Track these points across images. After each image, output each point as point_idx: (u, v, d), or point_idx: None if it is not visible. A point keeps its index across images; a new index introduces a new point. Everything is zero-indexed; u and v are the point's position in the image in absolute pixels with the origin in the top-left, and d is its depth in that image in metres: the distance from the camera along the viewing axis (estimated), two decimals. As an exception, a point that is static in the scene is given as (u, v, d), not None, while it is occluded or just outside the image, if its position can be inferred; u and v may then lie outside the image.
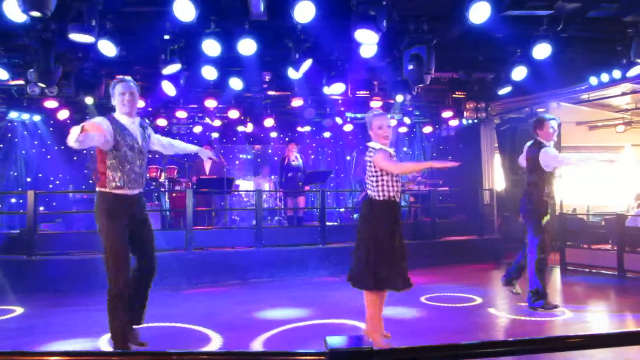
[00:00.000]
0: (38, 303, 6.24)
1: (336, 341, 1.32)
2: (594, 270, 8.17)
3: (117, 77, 4.03)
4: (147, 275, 4.07)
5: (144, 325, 4.18)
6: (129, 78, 4.02)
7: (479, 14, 5.57)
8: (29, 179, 11.34)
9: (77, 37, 5.71)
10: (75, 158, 11.38)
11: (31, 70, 6.88)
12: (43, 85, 7.05)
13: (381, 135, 4.13)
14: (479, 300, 6.31)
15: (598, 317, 5.28)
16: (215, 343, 4.55)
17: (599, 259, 8.21)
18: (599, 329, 4.94)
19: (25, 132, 11.43)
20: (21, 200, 10.51)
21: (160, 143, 4.41)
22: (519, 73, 7.81)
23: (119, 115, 3.96)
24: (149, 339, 4.08)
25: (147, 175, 4.33)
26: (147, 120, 4.31)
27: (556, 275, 8.28)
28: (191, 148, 4.65)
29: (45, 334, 4.88)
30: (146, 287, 4.10)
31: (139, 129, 4.06)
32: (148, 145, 4.18)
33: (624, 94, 10.29)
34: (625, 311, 5.61)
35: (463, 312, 5.74)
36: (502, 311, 5.82)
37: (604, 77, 8.10)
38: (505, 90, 8.78)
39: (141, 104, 9.52)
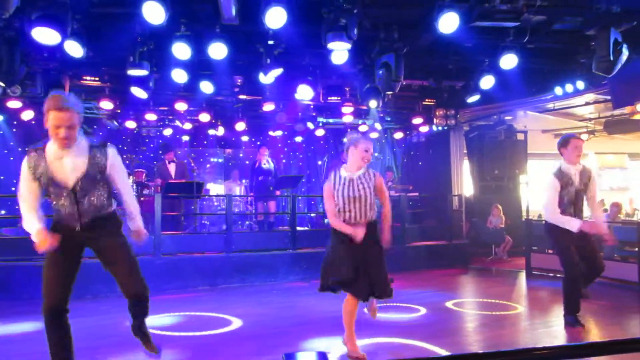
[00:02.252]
0: (1, 312, 6.04)
1: (295, 357, 1.32)
2: (558, 275, 8.34)
3: (55, 95, 3.15)
4: (132, 304, 3.46)
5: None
6: (67, 104, 3.08)
7: (448, 24, 5.67)
8: (-10, 182, 11.00)
9: (41, 37, 5.58)
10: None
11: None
12: (3, 85, 6.83)
13: (362, 157, 4.03)
14: (449, 304, 6.39)
15: (562, 322, 5.39)
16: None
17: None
18: (563, 335, 5.05)
19: (-13, 133, 11.09)
20: (-18, 204, 10.19)
21: (116, 184, 3.43)
22: (487, 82, 7.97)
23: (50, 144, 3.19)
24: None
25: (102, 204, 3.37)
26: (100, 148, 3.33)
27: (522, 279, 8.45)
28: (133, 221, 3.63)
29: (5, 344, 4.73)
30: (134, 316, 3.51)
31: (79, 161, 3.21)
32: (93, 178, 3.26)
33: (587, 103, 10.62)
34: (588, 316, 5.75)
35: (434, 316, 5.79)
36: (471, 315, 5.90)
37: (569, 87, 8.34)
38: (474, 99, 8.94)
39: (109, 106, 9.35)
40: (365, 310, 4.43)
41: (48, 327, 3.26)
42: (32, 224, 3.22)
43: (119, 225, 3.50)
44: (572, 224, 4.76)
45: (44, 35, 5.57)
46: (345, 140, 4.22)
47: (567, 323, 5.08)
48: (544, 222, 5.22)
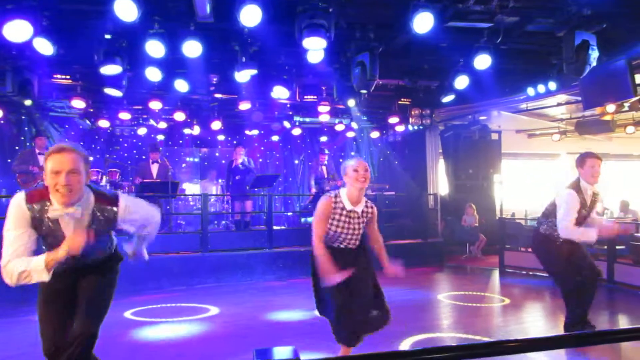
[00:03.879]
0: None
1: (266, 352, 1.31)
2: (530, 273, 8.52)
3: (58, 144, 2.72)
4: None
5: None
6: (70, 146, 2.69)
7: (423, 24, 5.71)
8: (-42, 181, 10.67)
9: (11, 33, 5.44)
10: (9, 160, 10.82)
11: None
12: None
13: (354, 178, 3.73)
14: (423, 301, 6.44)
15: (533, 318, 5.49)
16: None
17: (535, 261, 8.55)
18: (535, 330, 5.14)
19: (-46, 132, 10.76)
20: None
21: (135, 225, 3.07)
22: (462, 82, 8.06)
23: (52, 199, 2.69)
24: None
25: (105, 249, 3.02)
26: (108, 202, 2.88)
27: (495, 277, 8.58)
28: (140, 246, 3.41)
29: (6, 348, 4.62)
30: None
31: (84, 221, 2.79)
32: (99, 233, 2.81)
33: (559, 104, 10.83)
34: (559, 313, 5.87)
35: (404, 313, 5.83)
36: (444, 312, 5.96)
37: (541, 88, 8.48)
38: (448, 98, 9.03)
39: (81, 105, 9.17)
40: None
41: None
42: (32, 261, 2.64)
43: (114, 265, 3.12)
44: (590, 234, 4.48)
45: (14, 32, 5.44)
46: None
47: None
48: (533, 232, 5.03)
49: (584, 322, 4.75)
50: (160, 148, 10.07)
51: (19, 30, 5.41)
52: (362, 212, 3.81)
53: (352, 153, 14.00)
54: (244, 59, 6.95)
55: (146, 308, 6.22)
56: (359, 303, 3.66)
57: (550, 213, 4.79)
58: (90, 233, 2.64)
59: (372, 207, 3.89)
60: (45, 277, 2.62)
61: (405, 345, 4.66)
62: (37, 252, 2.73)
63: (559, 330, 5.13)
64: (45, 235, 2.73)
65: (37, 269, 2.61)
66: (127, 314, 5.92)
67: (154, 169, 9.55)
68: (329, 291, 3.64)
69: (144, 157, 9.87)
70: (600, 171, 4.58)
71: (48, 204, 2.67)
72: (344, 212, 3.74)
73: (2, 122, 10.36)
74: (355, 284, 3.66)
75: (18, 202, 2.68)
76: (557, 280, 4.96)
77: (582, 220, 4.62)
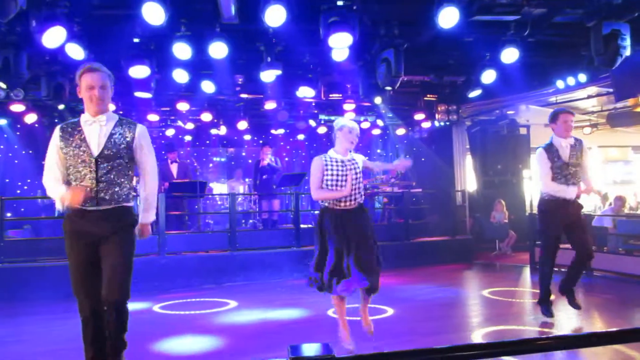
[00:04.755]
0: (5, 311, 6.09)
1: (299, 348, 1.33)
2: (562, 269, 8.33)
3: (86, 64, 3.27)
4: (108, 309, 3.17)
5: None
6: (98, 65, 3.26)
7: (448, 19, 5.66)
8: (-5, 184, 11.04)
9: (44, 39, 5.61)
10: (43, 163, 11.13)
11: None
12: (4, 87, 6.85)
13: (346, 138, 4.19)
14: (452, 299, 6.40)
15: (567, 316, 5.39)
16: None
17: (567, 258, 8.39)
18: (570, 328, 5.06)
19: (-9, 137, 11.14)
20: (-13, 206, 10.21)
21: (139, 164, 3.40)
22: (488, 76, 7.95)
23: (84, 115, 3.29)
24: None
25: (124, 188, 3.30)
26: (129, 123, 3.36)
27: (526, 274, 8.45)
28: (144, 212, 3.48)
29: (14, 344, 4.76)
30: (110, 326, 3.18)
31: (107, 129, 3.25)
32: (119, 152, 3.25)
33: (589, 96, 10.59)
34: (592, 310, 5.76)
35: (434, 311, 5.80)
36: (475, 310, 5.91)
37: (570, 80, 8.32)
38: (475, 93, 8.93)
39: (112, 107, 9.36)
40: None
41: (85, 326, 3.27)
42: (57, 188, 3.21)
43: (133, 222, 3.37)
44: (569, 191, 4.86)
45: (48, 38, 5.60)
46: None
47: (542, 312, 5.18)
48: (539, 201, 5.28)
49: (547, 300, 5.13)
50: (182, 151, 10.20)
51: (52, 37, 5.57)
52: (350, 159, 4.20)
53: (378, 150, 13.97)
54: (269, 59, 7.01)
55: (174, 303, 6.34)
56: (347, 256, 4.01)
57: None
58: (89, 191, 3.14)
59: (358, 156, 4.30)
60: (61, 207, 3.21)
61: (478, 335, 4.66)
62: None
63: (592, 327, 5.04)
64: (71, 143, 3.21)
65: (59, 196, 3.17)
66: (156, 308, 6.06)
67: (174, 168, 9.71)
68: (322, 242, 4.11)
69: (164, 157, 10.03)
70: (572, 125, 5.02)
71: (77, 120, 3.28)
72: (337, 162, 4.14)
73: (36, 125, 10.67)
74: (350, 241, 4.04)
75: (56, 129, 3.30)
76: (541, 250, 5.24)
77: (564, 170, 4.92)
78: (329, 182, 4.10)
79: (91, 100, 3.20)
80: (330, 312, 5.48)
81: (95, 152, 3.20)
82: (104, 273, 3.18)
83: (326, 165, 4.13)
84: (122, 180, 3.29)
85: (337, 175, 4.10)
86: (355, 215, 4.15)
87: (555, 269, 5.27)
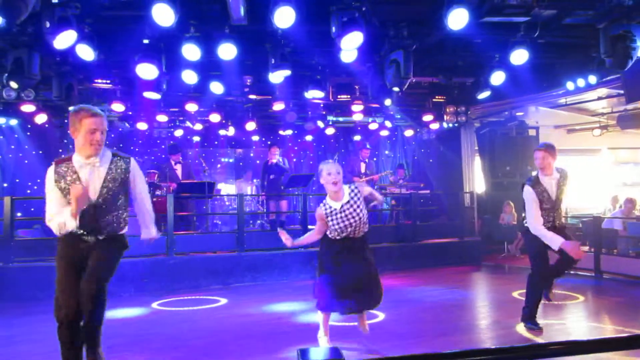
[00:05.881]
0: (16, 311, 6.13)
1: (308, 352, 1.33)
2: (572, 272, 8.28)
3: (84, 106, 3.34)
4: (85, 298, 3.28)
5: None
6: (100, 111, 3.37)
7: (458, 20, 5.64)
8: (5, 185, 11.11)
9: (55, 41, 5.64)
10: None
11: (6, 74, 6.75)
12: (15, 87, 6.90)
13: (327, 181, 4.20)
14: (461, 301, 6.37)
15: (576, 318, 5.36)
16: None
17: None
18: (580, 332, 5.02)
19: (1, 137, 11.22)
20: (-3, 206, 10.30)
21: (136, 191, 3.63)
22: (498, 78, 7.92)
23: (76, 156, 3.34)
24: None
25: (120, 221, 3.50)
26: (123, 158, 3.50)
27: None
28: (147, 230, 3.85)
29: (24, 343, 4.80)
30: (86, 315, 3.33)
31: (102, 171, 3.36)
32: (115, 190, 3.41)
33: (600, 98, 10.52)
34: (603, 313, 5.72)
35: (443, 313, 5.78)
36: (484, 313, 5.88)
37: (580, 82, 8.26)
38: (484, 95, 8.89)
39: (121, 108, 9.44)
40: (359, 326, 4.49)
41: (62, 334, 3.37)
42: (62, 213, 3.28)
43: (122, 247, 3.54)
44: (554, 242, 4.62)
45: (59, 40, 5.64)
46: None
47: (527, 328, 4.90)
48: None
49: (533, 317, 4.86)
50: (190, 152, 10.23)
51: (63, 38, 5.60)
52: (348, 202, 4.18)
53: (386, 152, 13.95)
54: (277, 60, 7.00)
55: (174, 300, 6.35)
56: (347, 280, 4.12)
57: (523, 208, 5.01)
58: (87, 189, 3.24)
59: (355, 188, 4.26)
60: (74, 224, 3.25)
61: (487, 339, 4.64)
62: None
63: (607, 334, 5.00)
64: (68, 190, 3.25)
65: (67, 218, 3.24)
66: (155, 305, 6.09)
67: (178, 170, 9.76)
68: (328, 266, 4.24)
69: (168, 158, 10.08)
70: (542, 162, 4.83)
71: (70, 162, 3.32)
72: (336, 211, 4.17)
73: (46, 126, 10.74)
74: (350, 264, 4.17)
75: (49, 169, 3.36)
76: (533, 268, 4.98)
77: (550, 211, 4.79)
78: (336, 228, 4.19)
79: (91, 143, 3.28)
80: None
81: (94, 197, 3.34)
82: (86, 270, 3.31)
83: (327, 215, 4.20)
84: (119, 212, 3.47)
85: (339, 221, 4.17)
86: (357, 244, 4.27)
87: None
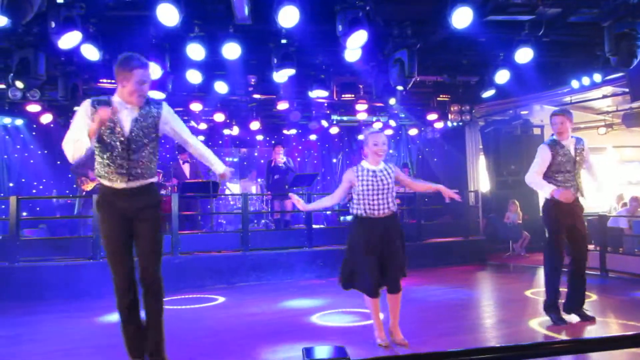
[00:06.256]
0: (21, 310, 6.16)
1: (312, 351, 1.34)
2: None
3: (134, 55, 3.40)
4: (144, 292, 3.49)
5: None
6: (147, 60, 3.46)
7: (462, 19, 5.63)
8: (11, 184, 11.17)
9: (60, 41, 5.67)
10: (58, 162, 11.24)
11: (11, 74, 6.80)
12: (21, 86, 6.94)
13: (373, 151, 4.26)
14: (465, 300, 6.36)
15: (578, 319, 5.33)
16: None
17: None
18: (586, 330, 5.00)
19: (7, 137, 11.28)
20: (3, 206, 10.36)
21: (179, 135, 3.66)
22: (502, 76, 7.90)
23: (115, 99, 3.43)
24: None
25: (148, 165, 3.51)
26: (154, 103, 3.57)
27: (540, 275, 8.37)
28: (214, 165, 3.80)
29: (31, 343, 4.82)
30: (148, 308, 3.50)
31: (137, 111, 3.44)
32: (148, 131, 3.48)
33: (604, 96, 10.48)
34: (608, 312, 5.70)
35: (447, 312, 5.77)
36: (488, 312, 5.87)
37: (585, 80, 8.23)
38: (488, 94, 8.87)
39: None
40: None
41: (122, 315, 3.45)
42: (83, 133, 3.27)
43: (160, 199, 3.68)
44: (545, 189, 4.82)
45: (64, 40, 5.67)
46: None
47: (552, 321, 4.96)
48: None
49: (555, 307, 4.95)
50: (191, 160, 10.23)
51: (68, 38, 5.63)
52: (383, 169, 4.27)
53: (391, 151, 13.94)
54: (281, 60, 7.01)
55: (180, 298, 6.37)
56: (376, 273, 4.16)
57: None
58: (110, 110, 3.25)
59: (391, 166, 4.34)
60: (88, 143, 3.24)
61: (491, 338, 4.62)
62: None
63: (607, 329, 4.98)
64: (102, 135, 3.33)
65: (84, 136, 3.22)
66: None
67: (186, 169, 9.79)
68: (359, 248, 4.20)
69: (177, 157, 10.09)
70: (562, 126, 4.99)
71: (110, 101, 3.38)
72: (369, 173, 4.22)
73: (52, 125, 10.78)
74: (377, 242, 4.18)
75: (84, 102, 3.40)
76: (546, 250, 5.06)
77: (570, 172, 4.89)
78: (365, 191, 4.20)
79: (140, 94, 3.37)
80: (315, 316, 5.47)
81: (127, 132, 3.40)
82: (138, 254, 3.45)
83: (358, 176, 4.24)
84: (151, 158, 3.52)
85: (370, 183, 4.20)
86: (387, 223, 4.24)
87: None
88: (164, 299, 3.57)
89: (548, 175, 4.96)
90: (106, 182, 3.43)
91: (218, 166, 3.76)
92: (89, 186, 9.00)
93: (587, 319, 4.99)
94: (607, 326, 5.06)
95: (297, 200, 4.45)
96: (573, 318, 5.04)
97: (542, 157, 4.94)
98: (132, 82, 3.33)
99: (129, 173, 3.41)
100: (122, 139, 3.38)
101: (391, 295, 4.31)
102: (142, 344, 3.50)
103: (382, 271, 4.20)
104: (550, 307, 5.00)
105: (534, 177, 4.92)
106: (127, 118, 3.41)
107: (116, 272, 3.42)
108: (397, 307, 4.35)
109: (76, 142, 3.26)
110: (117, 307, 3.45)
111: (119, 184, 3.41)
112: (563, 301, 5.08)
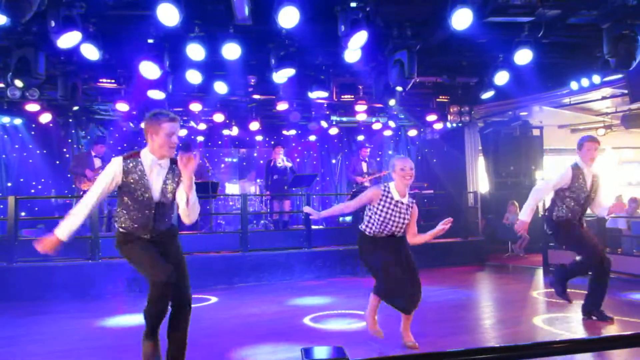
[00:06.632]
0: (19, 311, 6.15)
1: (311, 351, 1.34)
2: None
3: (163, 111, 3.50)
4: (175, 311, 3.57)
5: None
6: (174, 115, 3.50)
7: (462, 20, 5.64)
8: (9, 184, 11.14)
9: (59, 40, 5.67)
10: (57, 162, 11.24)
11: (10, 73, 6.78)
12: (20, 85, 6.92)
13: (401, 175, 4.28)
14: (464, 301, 6.36)
15: (580, 317, 5.34)
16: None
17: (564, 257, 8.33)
18: (584, 332, 5.01)
19: (6, 136, 11.25)
20: (1, 206, 10.33)
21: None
22: (502, 78, 7.91)
23: (146, 154, 3.46)
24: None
25: (171, 217, 3.67)
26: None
27: (539, 276, 8.38)
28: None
29: (30, 343, 4.81)
30: (176, 326, 3.58)
31: (164, 173, 3.50)
32: (173, 192, 3.52)
33: (604, 98, 10.50)
34: (608, 312, 5.69)
35: (446, 313, 5.78)
36: (487, 312, 5.87)
37: (584, 81, 8.25)
38: (488, 95, 8.88)
39: (125, 107, 9.46)
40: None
41: (160, 300, 3.41)
42: (77, 219, 3.46)
43: (177, 233, 3.79)
44: (525, 210, 5.12)
45: (65, 41, 5.67)
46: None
47: (599, 318, 5.07)
48: (546, 219, 5.36)
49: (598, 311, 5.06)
50: (199, 149, 10.25)
51: (68, 37, 5.62)
52: (407, 204, 4.31)
53: (390, 152, 13.94)
54: (281, 60, 7.02)
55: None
56: (409, 284, 4.26)
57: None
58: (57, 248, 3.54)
59: (413, 203, 4.39)
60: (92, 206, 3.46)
61: (490, 338, 4.63)
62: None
63: (606, 329, 4.99)
64: (133, 184, 3.41)
65: (60, 230, 3.52)
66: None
67: None
68: (381, 265, 4.24)
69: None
70: (595, 153, 5.03)
71: (139, 159, 3.45)
72: (392, 202, 4.24)
73: (51, 125, 10.77)
74: (400, 260, 4.28)
75: (115, 160, 3.46)
76: (583, 258, 5.09)
77: (579, 198, 4.98)
78: (379, 217, 4.25)
79: (170, 146, 3.45)
80: (306, 318, 5.46)
81: (156, 197, 3.49)
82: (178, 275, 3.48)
83: (382, 198, 4.26)
84: (172, 210, 3.66)
85: (388, 211, 4.24)
86: (399, 241, 4.40)
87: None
88: (189, 315, 3.65)
89: (559, 196, 5.12)
90: (128, 231, 3.51)
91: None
92: (85, 185, 9.00)
93: (606, 319, 5.06)
94: (606, 327, 5.06)
95: (311, 211, 4.49)
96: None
97: (563, 178, 5.04)
98: (161, 135, 3.41)
99: (154, 230, 3.52)
100: (151, 203, 3.47)
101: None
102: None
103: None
104: (561, 281, 5.17)
105: (542, 193, 5.17)
106: (156, 180, 3.48)
107: (155, 277, 3.39)
108: (411, 315, 4.43)
109: (76, 214, 3.46)
110: (148, 313, 3.44)
111: (143, 235, 3.52)
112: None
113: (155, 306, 3.41)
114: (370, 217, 4.29)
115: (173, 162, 3.54)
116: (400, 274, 4.19)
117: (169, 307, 3.51)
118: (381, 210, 4.23)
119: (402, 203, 4.27)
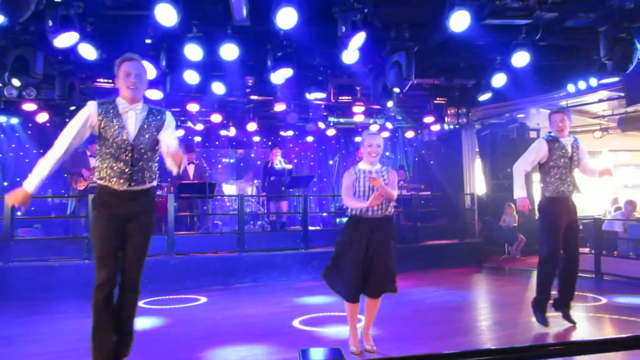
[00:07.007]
0: (16, 311, 6.12)
1: (308, 352, 1.34)
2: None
3: (125, 54, 3.50)
4: (121, 295, 3.51)
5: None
6: (135, 55, 3.52)
7: (459, 22, 5.65)
8: (5, 184, 11.11)
9: (56, 40, 5.66)
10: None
11: (7, 72, 6.77)
12: (18, 84, 6.91)
13: (368, 152, 4.28)
14: (461, 303, 6.37)
15: (577, 320, 5.36)
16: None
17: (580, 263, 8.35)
18: (579, 333, 5.02)
19: (2, 135, 11.23)
20: (-2, 205, 10.30)
21: (166, 142, 3.46)
22: (499, 80, 7.93)
23: (119, 100, 3.48)
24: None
25: (151, 171, 3.56)
26: (159, 110, 3.61)
27: (535, 278, 8.39)
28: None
29: (25, 343, 4.79)
30: (122, 310, 3.52)
31: (141, 117, 3.47)
32: (151, 138, 3.48)
33: (600, 100, 10.52)
34: (602, 314, 5.72)
35: (443, 314, 5.78)
36: (484, 314, 5.88)
37: (581, 84, 8.27)
38: (485, 97, 8.90)
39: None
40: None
41: (98, 304, 3.35)
42: (45, 167, 3.39)
43: (156, 205, 3.74)
44: (517, 190, 5.07)
45: (62, 40, 5.66)
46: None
47: (536, 318, 5.07)
48: (538, 203, 5.27)
49: (543, 307, 5.02)
50: (196, 150, 10.24)
51: (65, 37, 5.62)
52: (379, 171, 4.26)
53: (387, 153, 13.96)
54: (279, 61, 7.02)
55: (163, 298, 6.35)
56: (359, 278, 4.10)
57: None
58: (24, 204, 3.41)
59: (387, 171, 4.32)
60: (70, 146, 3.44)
61: (487, 340, 4.63)
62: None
63: (602, 332, 5.00)
64: (106, 140, 3.40)
65: (28, 182, 3.40)
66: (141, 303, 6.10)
67: (190, 169, 9.74)
68: (346, 251, 4.16)
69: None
70: (563, 124, 4.97)
71: (115, 103, 3.45)
72: (364, 174, 4.23)
73: (47, 124, 10.74)
74: (367, 244, 4.13)
75: (90, 103, 3.46)
76: (543, 245, 5.08)
77: (565, 167, 4.97)
78: (357, 192, 4.23)
79: (127, 86, 3.42)
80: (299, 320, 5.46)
81: (132, 138, 3.44)
82: (126, 253, 3.46)
83: (357, 177, 4.26)
84: (151, 163, 3.57)
85: (365, 187, 4.21)
86: (381, 225, 4.21)
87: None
88: (139, 299, 3.60)
89: (544, 171, 5.06)
90: (105, 183, 3.44)
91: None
92: (82, 185, 8.98)
93: (570, 322, 5.03)
94: (601, 329, 5.07)
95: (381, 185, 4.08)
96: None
97: (538, 150, 5.03)
98: (120, 77, 3.44)
99: (130, 178, 3.44)
100: (126, 144, 3.42)
101: (370, 300, 4.22)
102: (111, 352, 3.45)
103: (366, 273, 4.12)
104: (539, 305, 5.06)
105: (522, 167, 5.09)
106: (131, 122, 3.46)
107: (100, 272, 3.38)
108: (374, 312, 4.26)
109: (45, 162, 3.40)
110: (93, 301, 3.38)
111: (120, 187, 3.43)
112: (551, 301, 5.14)
113: (96, 293, 3.38)
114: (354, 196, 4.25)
115: (151, 110, 3.53)
116: (352, 268, 4.08)
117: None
118: (360, 186, 4.22)
119: (376, 172, 4.25)
